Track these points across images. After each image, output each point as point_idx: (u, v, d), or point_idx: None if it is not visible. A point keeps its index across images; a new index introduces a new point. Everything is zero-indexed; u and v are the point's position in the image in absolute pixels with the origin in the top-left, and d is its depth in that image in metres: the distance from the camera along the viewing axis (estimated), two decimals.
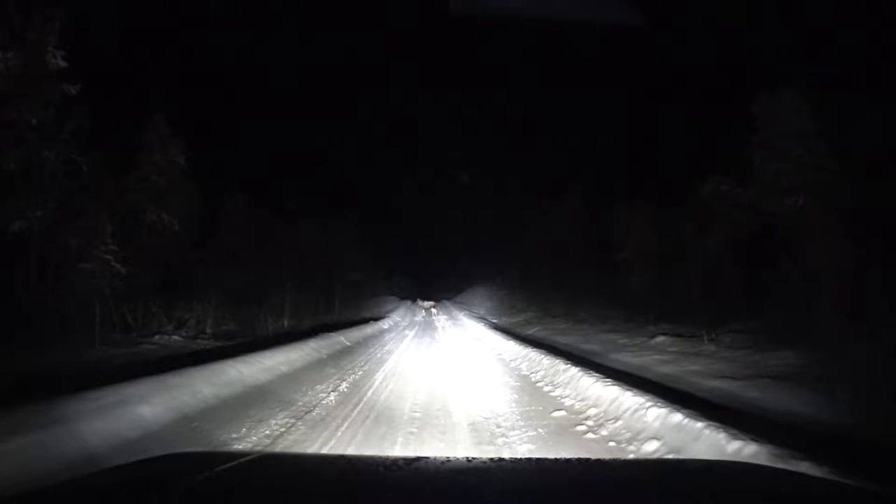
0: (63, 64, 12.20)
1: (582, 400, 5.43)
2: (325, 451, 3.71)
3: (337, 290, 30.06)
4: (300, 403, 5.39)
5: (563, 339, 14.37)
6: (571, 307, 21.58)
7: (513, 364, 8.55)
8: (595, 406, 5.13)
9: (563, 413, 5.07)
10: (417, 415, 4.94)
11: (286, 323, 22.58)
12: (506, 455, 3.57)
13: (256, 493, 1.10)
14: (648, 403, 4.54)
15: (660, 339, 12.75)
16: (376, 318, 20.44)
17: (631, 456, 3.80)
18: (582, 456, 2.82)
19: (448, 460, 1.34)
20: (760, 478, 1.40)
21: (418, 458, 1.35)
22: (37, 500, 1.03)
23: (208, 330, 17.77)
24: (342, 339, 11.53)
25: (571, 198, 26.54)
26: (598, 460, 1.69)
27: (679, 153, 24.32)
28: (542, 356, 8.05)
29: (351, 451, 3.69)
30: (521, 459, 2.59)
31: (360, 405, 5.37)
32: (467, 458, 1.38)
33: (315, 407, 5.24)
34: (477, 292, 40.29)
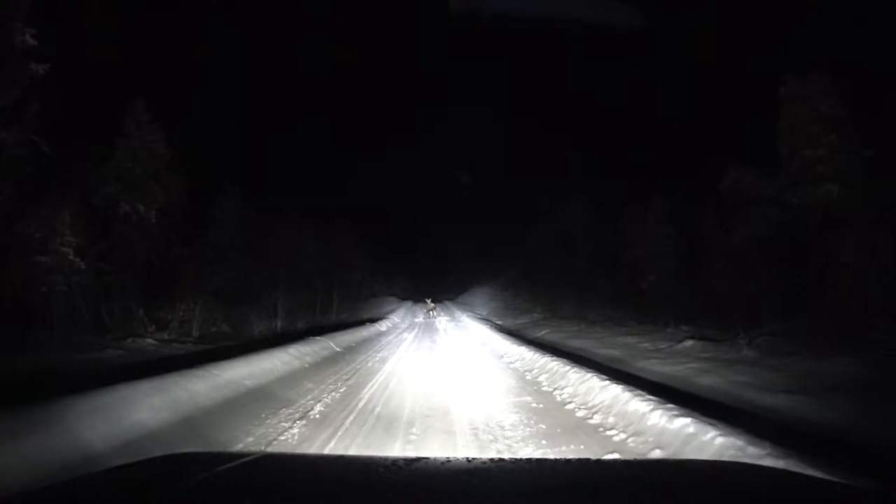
0: (32, 42, 10.85)
1: (638, 435, 3.86)
2: None
3: (335, 291, 28.55)
4: (250, 440, 3.83)
5: (577, 344, 12.79)
6: (580, 308, 20.00)
7: (529, 376, 6.96)
8: (660, 446, 3.57)
9: (617, 458, 3.50)
10: None
11: (279, 325, 21.06)
12: (506, 455, 3.33)
13: (256, 493, 1.06)
14: (753, 449, 2.99)
15: (688, 343, 11.15)
16: (373, 320, 18.89)
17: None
18: (582, 456, 2.64)
19: (448, 461, 1.29)
20: (760, 478, 1.35)
21: (418, 459, 1.31)
22: (37, 500, 1.01)
23: (195, 332, 16.36)
24: (331, 343, 9.95)
25: (577, 196, 25.01)
26: (598, 460, 1.61)
27: (694, 146, 22.82)
28: (566, 366, 6.46)
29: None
30: (520, 459, 2.36)
31: (334, 441, 3.81)
32: (467, 458, 1.32)
33: (268, 446, 3.69)
34: (479, 293, 38.68)
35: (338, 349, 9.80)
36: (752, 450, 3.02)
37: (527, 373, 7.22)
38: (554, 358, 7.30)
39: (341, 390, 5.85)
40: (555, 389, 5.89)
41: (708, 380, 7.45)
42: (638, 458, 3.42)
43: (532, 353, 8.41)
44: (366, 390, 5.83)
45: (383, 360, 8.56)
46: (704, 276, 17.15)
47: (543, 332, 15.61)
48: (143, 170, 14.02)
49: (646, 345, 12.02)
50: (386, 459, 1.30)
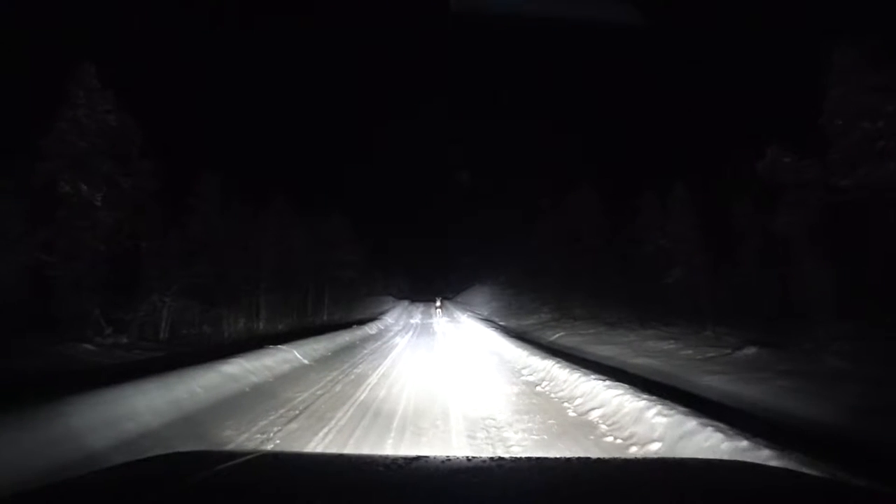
0: None
1: None
2: None
3: (327, 290, 25.99)
4: None
5: (602, 351, 10.30)
6: (593, 308, 17.51)
7: (572, 410, 4.43)
8: None
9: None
10: None
11: (261, 326, 18.55)
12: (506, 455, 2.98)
13: (256, 492, 1.00)
14: None
15: (749, 351, 8.67)
16: (364, 321, 16.35)
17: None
18: (582, 455, 2.36)
19: (448, 459, 1.20)
20: (759, 477, 1.27)
21: (418, 458, 1.22)
22: (37, 500, 0.94)
23: (163, 335, 13.91)
24: (297, 353, 7.40)
25: (585, 187, 22.52)
26: (599, 459, 1.47)
27: (721, 129, 20.41)
28: (635, 398, 3.96)
29: None
30: (520, 459, 2.14)
31: None
32: (467, 457, 1.23)
33: None
34: (479, 291, 36.13)
35: (305, 361, 7.25)
36: None
37: (566, 404, 4.68)
38: (607, 381, 4.74)
39: (273, 444, 3.32)
40: (638, 441, 3.37)
41: (823, 410, 4.97)
42: (638, 457, 2.97)
43: (563, 369, 5.86)
44: (310, 449, 3.29)
45: (359, 381, 6.00)
46: (736, 271, 14.70)
47: (557, 335, 13.10)
48: (88, 143, 11.49)
49: (688, 352, 9.53)
50: (386, 458, 1.23)
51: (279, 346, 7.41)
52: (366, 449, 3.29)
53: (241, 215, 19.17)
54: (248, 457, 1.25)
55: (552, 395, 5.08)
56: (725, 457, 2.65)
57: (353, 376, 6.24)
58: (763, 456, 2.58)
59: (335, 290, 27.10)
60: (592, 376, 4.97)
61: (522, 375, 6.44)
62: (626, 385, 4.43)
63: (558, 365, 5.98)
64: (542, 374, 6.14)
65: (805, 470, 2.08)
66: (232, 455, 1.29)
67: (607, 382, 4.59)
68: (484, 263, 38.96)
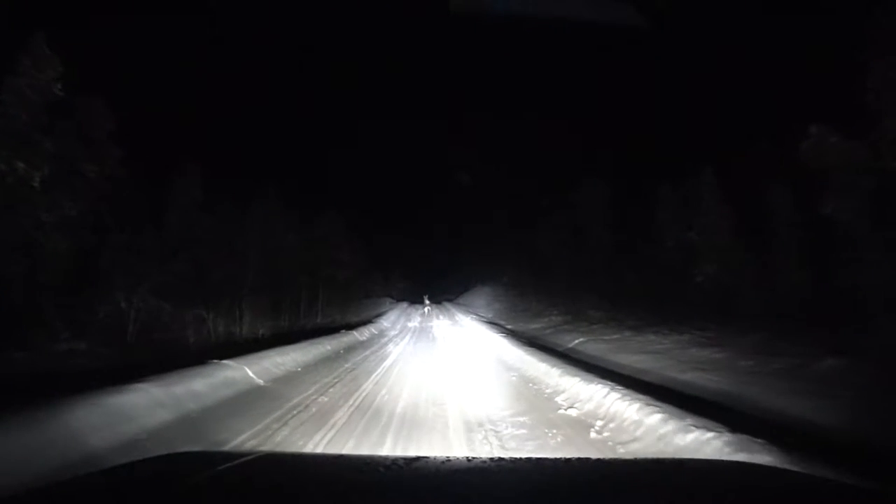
0: None
1: None
2: None
3: (321, 291, 24.01)
4: None
5: (635, 362, 8.33)
6: (609, 310, 15.53)
7: None
8: None
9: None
10: None
11: (243, 330, 16.59)
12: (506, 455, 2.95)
13: (256, 492, 0.99)
14: None
15: (828, 362, 6.70)
16: (356, 325, 14.38)
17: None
18: (582, 455, 2.37)
19: (448, 460, 1.18)
20: (760, 477, 1.25)
21: (418, 458, 1.19)
22: (37, 500, 0.93)
23: (130, 339, 12.02)
24: (248, 372, 5.42)
25: (595, 181, 20.58)
26: (598, 460, 1.50)
27: (741, 117, 18.49)
28: None
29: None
30: (520, 459, 1.96)
31: None
32: (467, 457, 1.22)
33: None
34: (481, 293, 34.13)
35: (259, 382, 5.27)
36: None
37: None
38: (725, 435, 2.78)
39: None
40: None
41: None
42: (638, 458, 2.81)
43: (621, 398, 3.90)
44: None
45: (321, 418, 3.99)
46: (776, 266, 12.76)
47: (576, 340, 11.14)
48: (29, 116, 9.62)
49: (746, 363, 7.56)
50: (386, 459, 1.22)
51: (226, 360, 5.43)
52: None
53: (227, 211, 17.33)
54: (248, 457, 1.23)
55: (621, 451, 3.11)
56: (726, 457, 2.35)
57: (314, 409, 4.23)
58: None
59: (331, 292, 25.16)
60: (688, 419, 3.00)
61: (559, 407, 4.45)
62: (772, 447, 2.47)
63: (615, 393, 4.00)
64: (588, 406, 4.17)
65: (806, 470, 1.90)
66: (232, 455, 1.30)
67: (726, 437, 2.62)
68: (486, 264, 36.94)
